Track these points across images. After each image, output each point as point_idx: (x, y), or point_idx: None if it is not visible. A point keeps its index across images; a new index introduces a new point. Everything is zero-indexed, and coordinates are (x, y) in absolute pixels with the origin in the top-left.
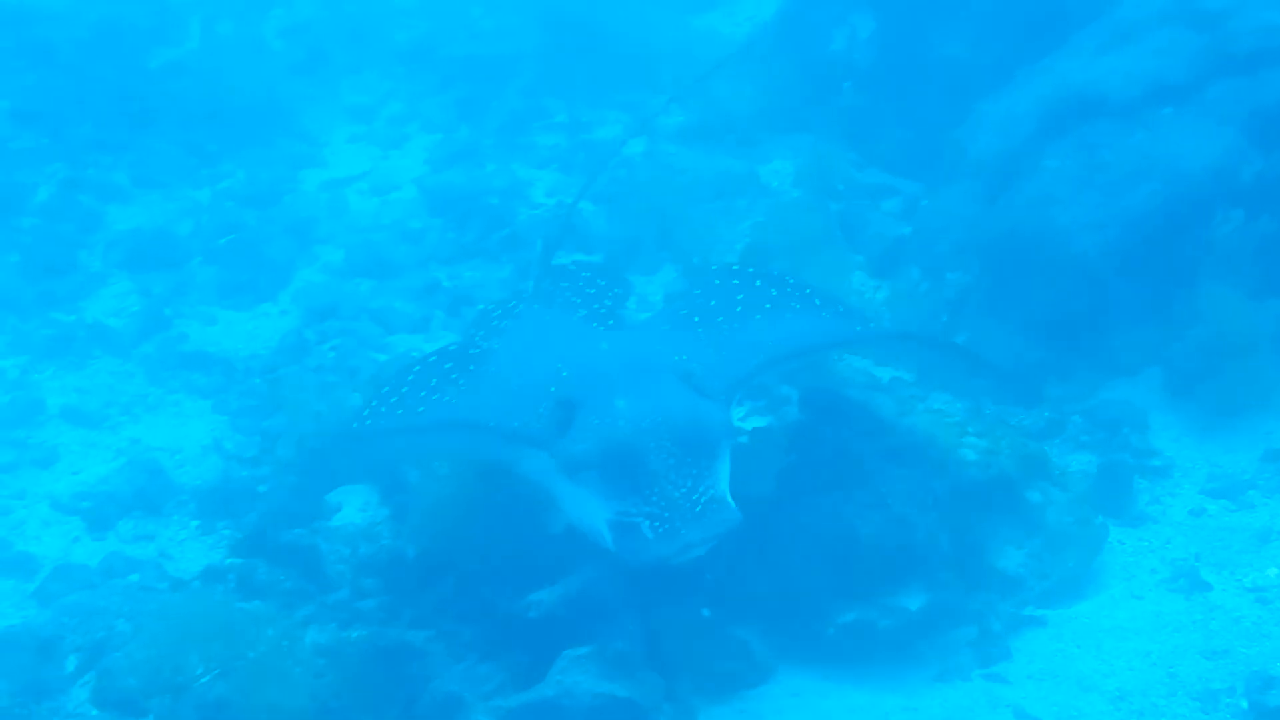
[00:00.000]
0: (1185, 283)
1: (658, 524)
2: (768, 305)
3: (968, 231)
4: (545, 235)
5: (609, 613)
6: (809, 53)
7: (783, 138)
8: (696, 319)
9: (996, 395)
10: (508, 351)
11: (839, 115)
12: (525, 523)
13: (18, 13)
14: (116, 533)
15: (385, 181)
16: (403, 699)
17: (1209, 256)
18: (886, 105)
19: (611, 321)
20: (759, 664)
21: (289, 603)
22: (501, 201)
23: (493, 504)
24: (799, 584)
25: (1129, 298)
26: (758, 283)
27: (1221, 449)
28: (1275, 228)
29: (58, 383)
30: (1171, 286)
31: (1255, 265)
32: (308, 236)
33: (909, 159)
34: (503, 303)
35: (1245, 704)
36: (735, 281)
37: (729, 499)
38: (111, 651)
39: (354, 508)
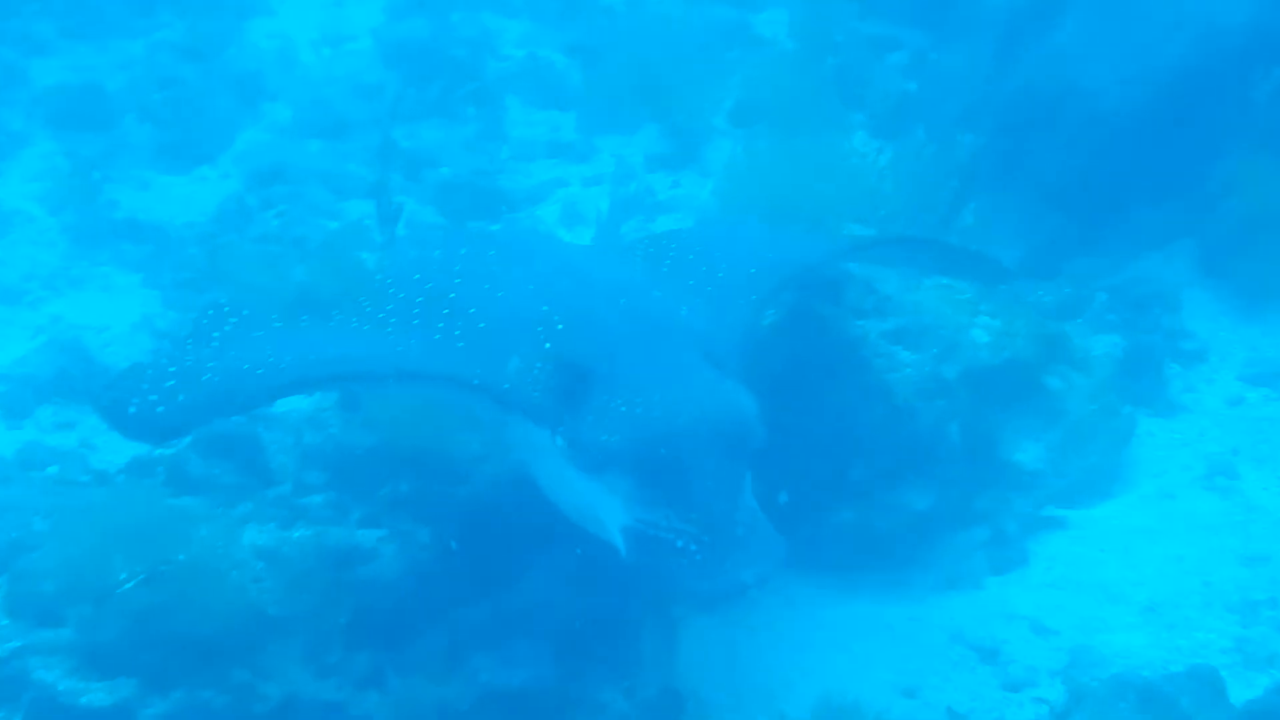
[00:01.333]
0: (1221, 148)
1: (694, 547)
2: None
3: (980, 89)
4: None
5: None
6: None
7: None
8: (666, 264)
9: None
10: (454, 272)
11: None
12: (491, 411)
13: None
14: (34, 421)
15: (338, 32)
16: (351, 606)
17: (1247, 119)
18: None
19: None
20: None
21: (225, 499)
22: (468, 54)
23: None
24: (793, 482)
25: (1159, 164)
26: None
27: (1261, 331)
28: None
29: None
30: (1206, 152)
31: None
32: (252, 92)
33: (916, 8)
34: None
35: None
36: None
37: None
38: (26, 553)
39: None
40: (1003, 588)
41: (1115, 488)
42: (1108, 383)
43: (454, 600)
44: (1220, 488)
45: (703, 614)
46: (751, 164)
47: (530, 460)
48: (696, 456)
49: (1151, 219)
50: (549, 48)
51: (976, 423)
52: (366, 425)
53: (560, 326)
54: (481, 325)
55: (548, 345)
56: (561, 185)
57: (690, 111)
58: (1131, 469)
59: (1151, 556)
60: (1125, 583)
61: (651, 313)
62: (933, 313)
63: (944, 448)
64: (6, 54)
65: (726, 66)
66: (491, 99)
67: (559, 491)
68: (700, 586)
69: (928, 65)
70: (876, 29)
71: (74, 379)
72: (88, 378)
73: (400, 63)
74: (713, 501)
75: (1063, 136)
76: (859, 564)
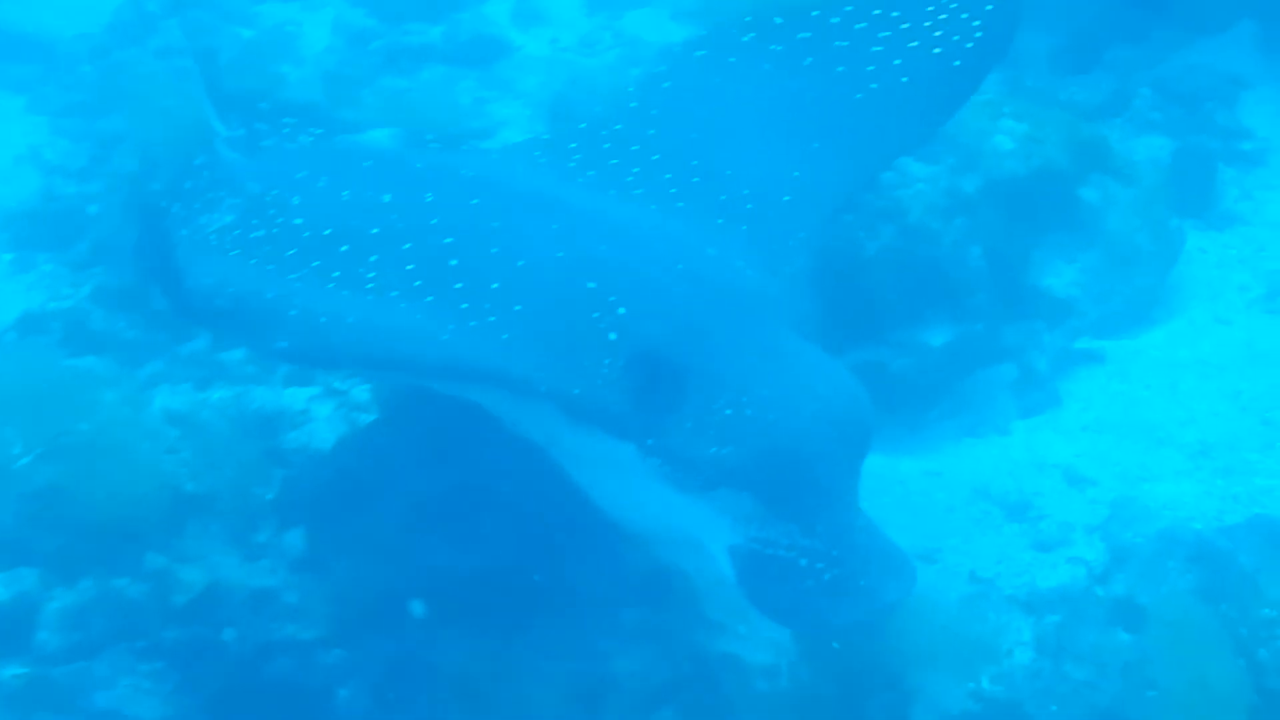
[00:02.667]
0: None
1: (821, 565)
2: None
3: None
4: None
5: None
6: None
7: None
8: (673, 190)
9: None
10: (433, 226)
11: None
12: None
13: None
14: None
15: None
16: (280, 479)
17: None
18: None
19: None
20: None
21: (131, 358)
22: None
23: None
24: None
25: None
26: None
27: None
28: None
29: None
30: None
31: None
32: None
33: None
34: None
35: None
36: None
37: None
38: None
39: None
40: (1032, 433)
41: (1161, 315)
42: (1153, 193)
43: (400, 470)
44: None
45: None
46: None
47: (593, 478)
48: (821, 459)
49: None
50: None
51: (1002, 244)
52: None
53: (622, 310)
54: (517, 308)
55: (613, 336)
56: None
57: None
58: (1180, 292)
59: (1203, 393)
60: (1173, 423)
61: (718, 277)
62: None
63: (965, 274)
64: None
65: None
66: None
67: (636, 514)
68: (833, 614)
69: None
70: None
71: None
72: None
73: None
74: (838, 510)
75: None
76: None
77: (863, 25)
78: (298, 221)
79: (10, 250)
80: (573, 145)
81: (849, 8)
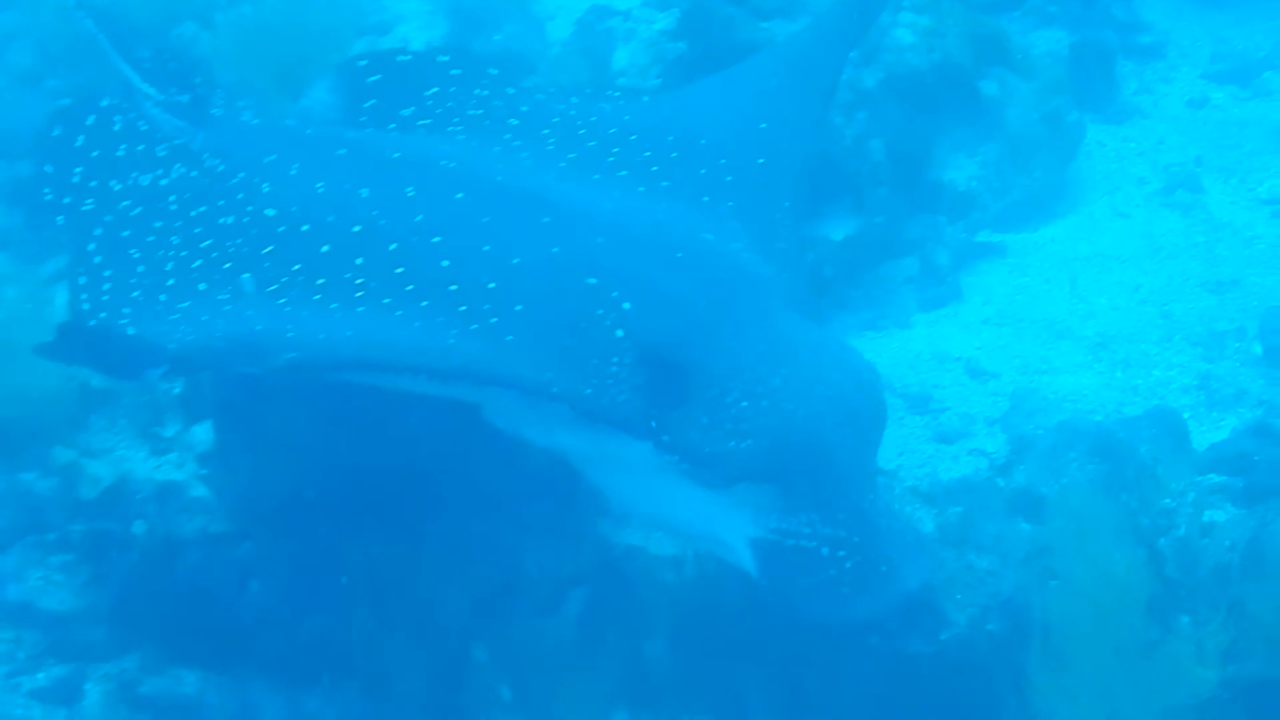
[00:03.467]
0: None
1: (842, 553)
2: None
3: None
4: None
5: None
6: None
7: None
8: (655, 168)
9: None
10: (417, 226)
11: None
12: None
13: None
14: None
15: None
16: None
17: None
18: None
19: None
20: None
21: (32, 254)
22: None
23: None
24: None
25: None
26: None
27: (1230, 19)
28: None
29: None
30: None
31: None
32: None
33: None
34: None
35: (1259, 348)
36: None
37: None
38: None
39: None
40: (933, 327)
41: (1060, 208)
42: (1052, 86)
43: None
44: (1181, 204)
45: None
46: None
47: (605, 478)
48: (838, 446)
49: None
50: None
51: (902, 138)
52: None
53: (626, 305)
54: (518, 308)
55: (620, 333)
56: None
57: None
58: (1079, 186)
59: (1103, 285)
60: (1073, 316)
61: (718, 264)
62: (846, 7)
63: (866, 168)
64: None
65: None
66: None
67: (654, 509)
68: (857, 603)
69: None
70: None
71: None
72: None
73: None
74: (857, 495)
75: None
76: None
77: None
78: (270, 213)
79: None
80: (546, 131)
81: None
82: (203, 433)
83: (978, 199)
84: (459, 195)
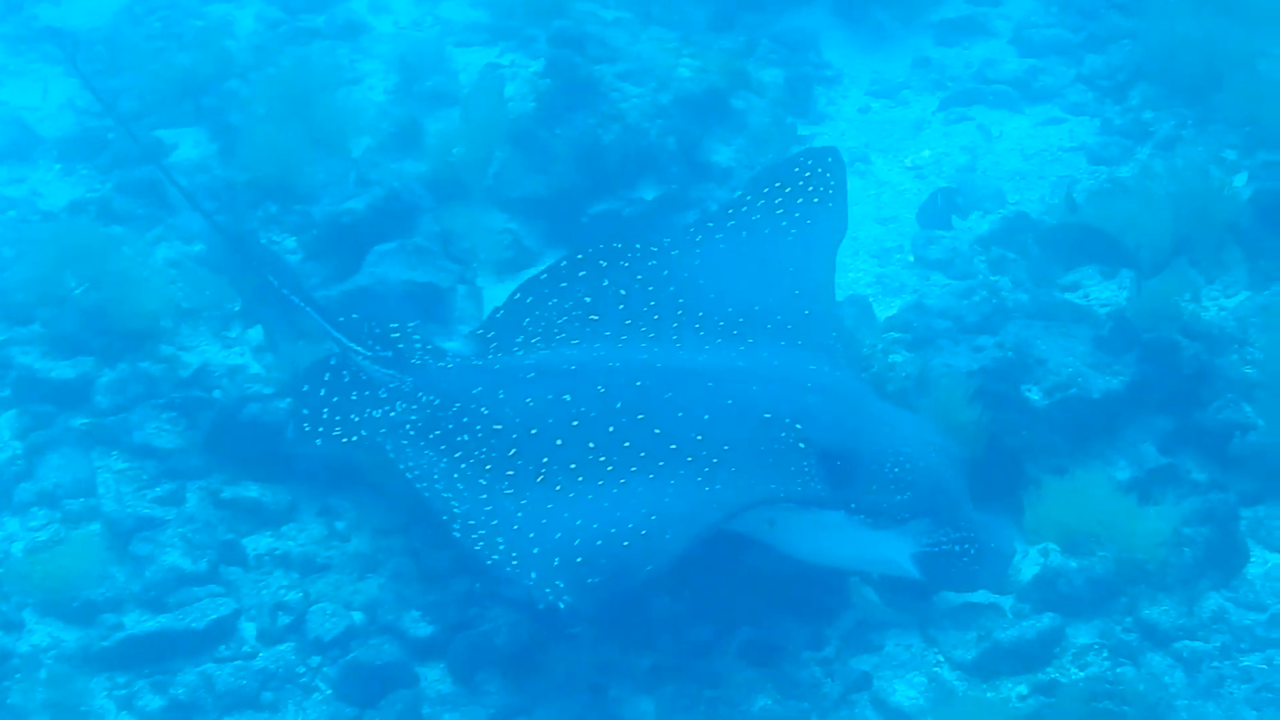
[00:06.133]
0: None
1: (968, 548)
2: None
3: None
4: None
5: (409, 212)
6: None
7: None
8: (735, 331)
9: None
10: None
11: None
12: (337, 152)
13: None
14: None
15: None
16: (245, 291)
17: None
18: None
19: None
20: (529, 250)
21: (141, 226)
22: None
23: (308, 135)
24: (559, 185)
25: None
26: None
27: (880, 60)
28: None
29: None
30: None
31: None
32: None
33: None
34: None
35: (911, 258)
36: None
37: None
38: (1, 272)
39: (188, 145)
40: None
41: None
42: (775, 101)
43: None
44: (858, 171)
45: (499, 284)
46: None
47: (798, 532)
48: (952, 481)
49: None
50: None
51: (686, 135)
52: (243, 165)
53: (799, 427)
54: (725, 448)
55: (801, 445)
56: None
57: None
58: None
59: None
60: None
61: (834, 383)
62: (649, 57)
63: (664, 155)
64: None
65: None
66: None
67: (831, 550)
68: (983, 578)
69: None
70: None
71: (21, 147)
72: (30, 145)
73: None
74: (966, 509)
75: None
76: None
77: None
78: (497, 427)
79: (60, 163)
80: (644, 326)
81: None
82: (255, 333)
83: (734, 171)
84: (638, 383)
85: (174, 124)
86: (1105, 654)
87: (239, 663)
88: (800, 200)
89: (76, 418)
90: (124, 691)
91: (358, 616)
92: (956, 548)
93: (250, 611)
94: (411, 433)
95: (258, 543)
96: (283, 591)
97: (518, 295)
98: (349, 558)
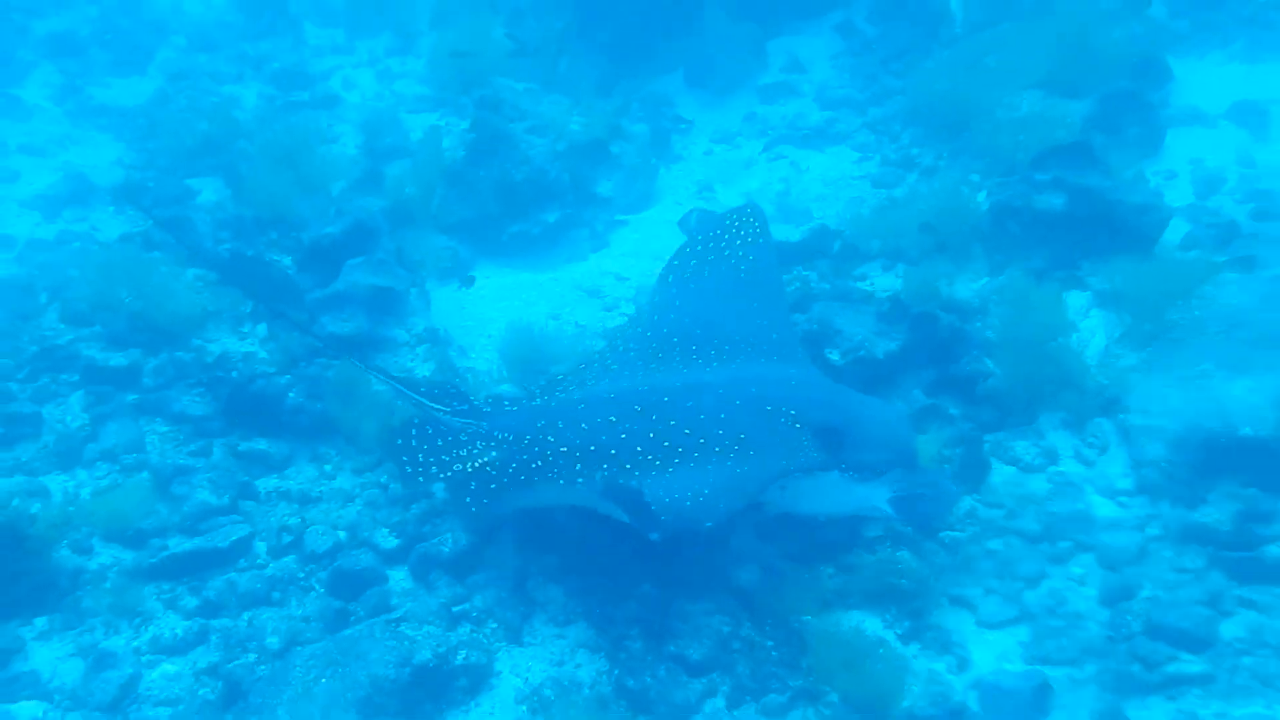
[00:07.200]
0: (695, 12)
1: (928, 489)
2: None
3: None
4: None
5: (372, 234)
6: None
7: None
8: (728, 349)
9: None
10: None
11: None
12: (319, 192)
13: None
14: (63, 218)
15: None
16: (252, 301)
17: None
18: None
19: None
20: (464, 260)
21: (175, 255)
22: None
23: (298, 180)
24: (484, 212)
25: (662, 23)
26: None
27: (720, 115)
28: None
29: (12, 132)
30: (687, 15)
31: None
32: (165, 29)
33: None
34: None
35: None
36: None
37: None
38: (68, 289)
39: (208, 190)
40: (599, 259)
41: (651, 202)
42: (643, 148)
43: (308, 286)
44: (706, 198)
45: (442, 286)
46: None
47: (803, 491)
48: (909, 441)
49: (659, 57)
50: None
51: (578, 174)
52: (249, 203)
53: (793, 412)
54: (742, 435)
55: (798, 426)
56: None
57: None
58: (659, 192)
59: (672, 237)
60: (661, 250)
61: (812, 379)
62: (550, 116)
63: (562, 188)
64: (13, 17)
65: None
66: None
67: (835, 506)
68: (942, 513)
69: None
70: None
71: (82, 194)
72: (89, 193)
73: (242, 5)
74: (920, 462)
75: (613, 14)
76: (522, 254)
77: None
78: (563, 449)
79: (113, 205)
80: (653, 363)
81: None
82: (261, 328)
83: (614, 200)
84: (664, 399)
85: (197, 174)
86: (889, 543)
87: (254, 571)
88: (738, 243)
89: (129, 394)
90: (169, 595)
91: (342, 534)
92: (920, 490)
93: (262, 533)
94: (493, 470)
95: (266, 483)
96: (286, 518)
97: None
98: (334, 491)
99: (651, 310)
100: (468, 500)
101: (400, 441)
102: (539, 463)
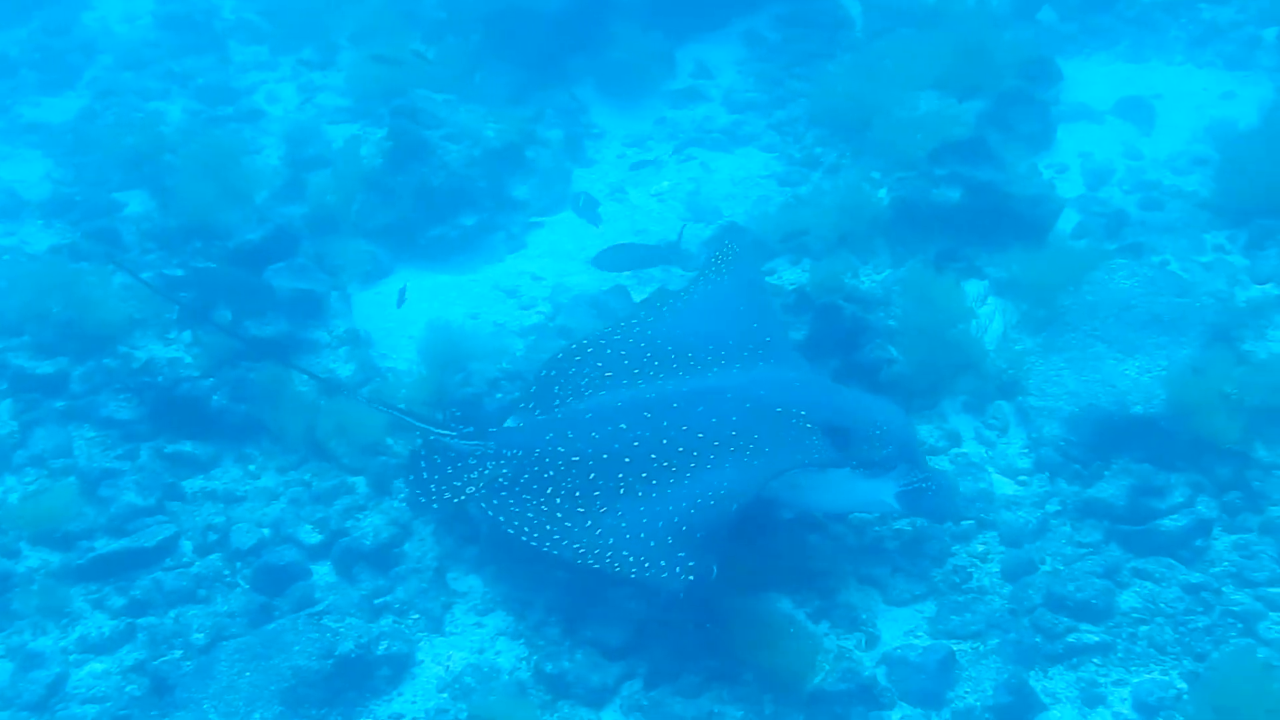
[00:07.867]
0: (604, 23)
1: (930, 483)
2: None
3: (474, 6)
4: None
5: (293, 240)
6: None
7: None
8: (723, 356)
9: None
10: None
11: None
12: (243, 201)
13: None
14: None
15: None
16: (178, 310)
17: (618, 6)
18: None
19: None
20: (384, 265)
21: (100, 262)
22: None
23: (222, 191)
24: (404, 217)
25: (573, 34)
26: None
27: (632, 121)
28: None
29: None
30: (597, 26)
31: (646, 7)
32: (90, 50)
33: None
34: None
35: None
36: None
37: None
38: None
39: (135, 202)
40: (516, 260)
41: (566, 205)
42: (557, 152)
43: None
44: (619, 199)
45: (363, 290)
46: None
47: (814, 489)
48: (915, 435)
49: (571, 67)
50: None
51: (495, 178)
52: (175, 213)
53: (803, 413)
54: (756, 435)
55: (809, 426)
56: None
57: None
58: (570, 195)
59: (590, 236)
60: (576, 251)
61: (816, 381)
62: (466, 124)
63: (479, 192)
64: None
65: None
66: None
67: (842, 502)
68: (946, 508)
69: None
70: None
71: (11, 209)
72: (19, 207)
73: (172, 26)
74: (925, 457)
75: (524, 31)
76: (441, 257)
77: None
78: (575, 459)
79: (41, 219)
80: (652, 371)
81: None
82: (186, 335)
83: (529, 203)
84: (674, 405)
85: (124, 188)
86: (799, 526)
87: (180, 570)
88: (729, 256)
89: (57, 401)
90: (96, 595)
91: (266, 531)
92: (925, 484)
93: (188, 533)
94: (506, 485)
95: (193, 483)
96: (211, 517)
97: (544, 373)
98: (259, 490)
99: (647, 313)
100: (501, 519)
101: (412, 477)
102: (551, 474)
